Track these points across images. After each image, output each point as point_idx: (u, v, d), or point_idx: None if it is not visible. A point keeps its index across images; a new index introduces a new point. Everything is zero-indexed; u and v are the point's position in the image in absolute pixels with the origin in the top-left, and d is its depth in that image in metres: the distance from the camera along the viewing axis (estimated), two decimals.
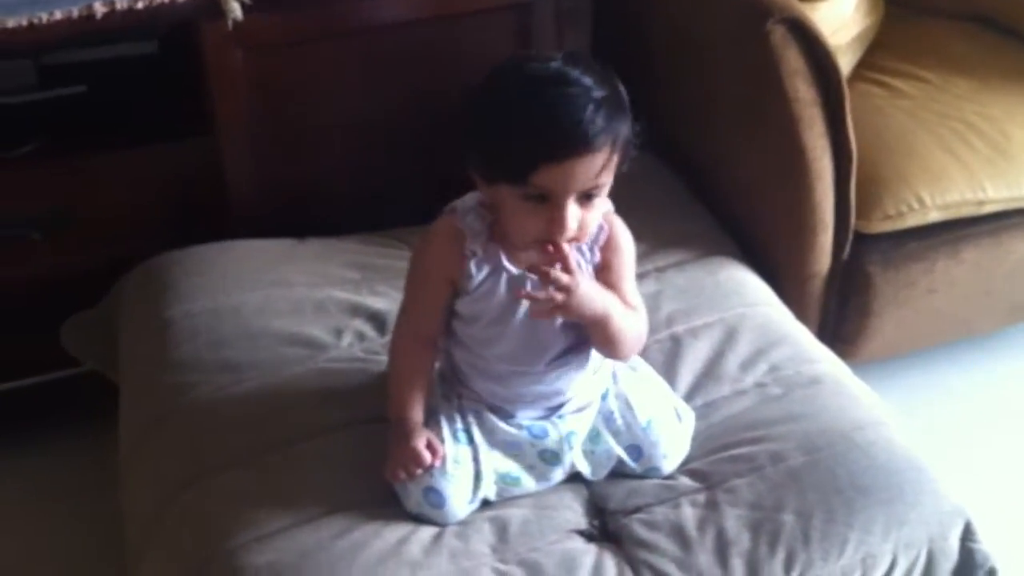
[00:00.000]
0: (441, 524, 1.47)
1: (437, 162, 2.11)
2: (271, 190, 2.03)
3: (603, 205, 1.41)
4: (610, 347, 1.45)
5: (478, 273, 1.44)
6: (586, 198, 1.35)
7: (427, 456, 1.46)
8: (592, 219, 1.38)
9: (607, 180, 1.36)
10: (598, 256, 1.46)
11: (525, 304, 1.43)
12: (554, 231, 1.34)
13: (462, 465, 1.48)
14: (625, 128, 1.36)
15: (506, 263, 1.43)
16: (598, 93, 1.32)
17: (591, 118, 1.30)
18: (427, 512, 1.47)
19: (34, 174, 1.92)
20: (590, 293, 1.38)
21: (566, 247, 1.36)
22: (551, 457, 1.52)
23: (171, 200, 2.00)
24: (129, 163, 1.97)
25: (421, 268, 1.49)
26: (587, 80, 1.32)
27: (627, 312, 1.45)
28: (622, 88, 1.38)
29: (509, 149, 1.32)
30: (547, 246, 1.35)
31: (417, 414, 1.50)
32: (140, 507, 1.60)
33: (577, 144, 1.30)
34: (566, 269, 1.35)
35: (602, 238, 1.46)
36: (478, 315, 1.46)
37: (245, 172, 1.99)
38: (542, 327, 1.45)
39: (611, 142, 1.33)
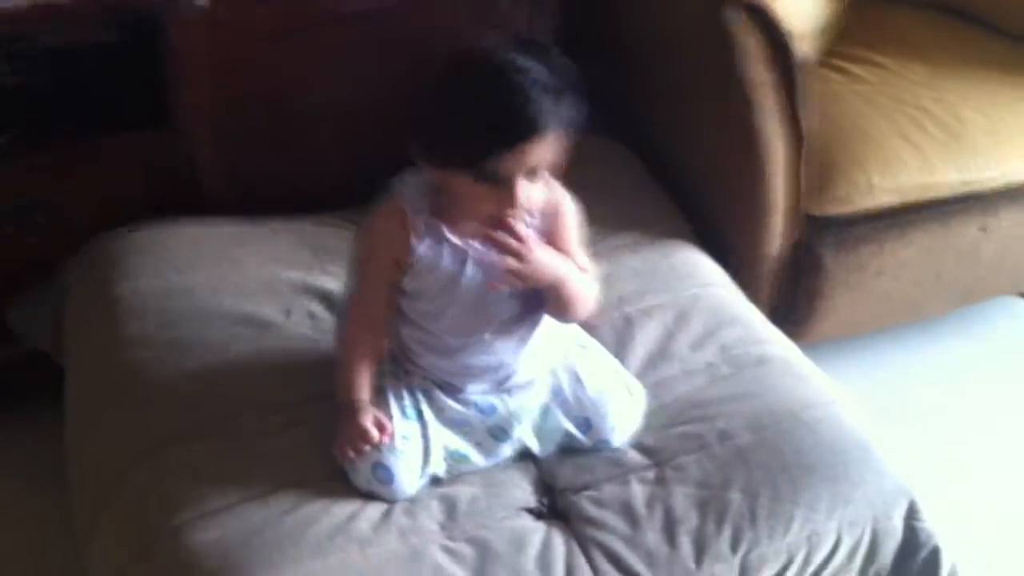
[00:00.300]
0: (390, 501, 1.47)
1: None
2: (243, 180, 2.00)
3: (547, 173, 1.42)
4: (567, 310, 1.47)
5: (420, 246, 1.45)
6: (532, 173, 1.37)
7: (375, 433, 1.46)
8: (539, 189, 1.39)
9: (554, 157, 1.38)
10: (542, 222, 1.47)
11: (470, 274, 1.44)
12: (506, 208, 1.37)
13: (411, 441, 1.49)
14: (575, 110, 1.37)
15: (448, 235, 1.44)
16: (549, 80, 1.33)
17: (542, 105, 1.32)
18: (376, 488, 1.47)
19: (5, 167, 1.88)
20: (544, 259, 1.41)
21: (522, 226, 1.39)
22: (500, 433, 1.53)
23: (144, 191, 1.97)
24: (100, 154, 1.93)
25: (366, 249, 1.51)
26: (538, 67, 1.33)
27: (580, 274, 1.47)
28: (573, 70, 1.39)
29: (462, 138, 1.34)
30: (500, 225, 1.38)
31: (365, 394, 1.50)
32: (88, 486, 1.59)
33: (529, 131, 1.32)
34: (516, 238, 1.37)
35: (545, 204, 1.46)
36: (422, 290, 1.47)
37: (215, 162, 1.96)
38: (488, 296, 1.46)
39: (560, 126, 1.35)
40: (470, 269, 1.45)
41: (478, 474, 1.53)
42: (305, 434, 1.54)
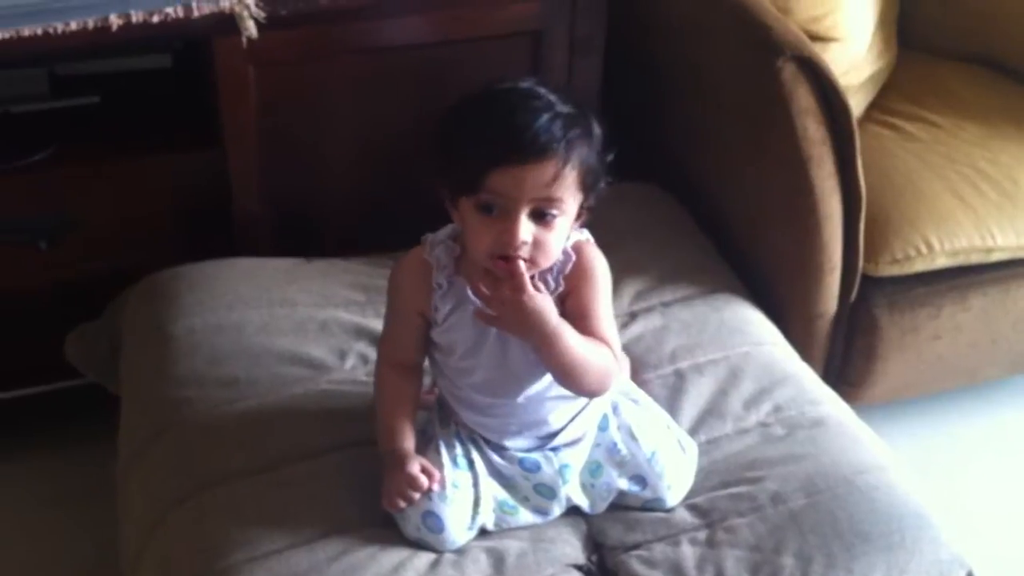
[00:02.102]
0: (439, 550, 1.46)
1: None
2: (277, 205, 2.03)
3: (566, 230, 1.39)
4: (565, 375, 1.40)
5: (444, 306, 1.45)
6: (540, 217, 1.34)
7: (424, 480, 1.44)
8: (553, 242, 1.36)
9: (562, 197, 1.34)
10: (563, 285, 1.43)
11: (494, 335, 1.43)
12: (505, 242, 1.33)
13: (461, 490, 1.47)
14: (586, 151, 1.35)
15: (471, 295, 1.42)
16: (558, 107, 1.34)
17: (544, 126, 1.31)
18: (425, 537, 1.45)
19: (43, 182, 1.92)
20: (535, 307, 1.34)
21: (521, 265, 1.34)
22: (546, 491, 1.50)
23: (178, 212, 2.01)
24: (136, 174, 1.97)
25: (392, 298, 1.52)
26: (550, 96, 1.34)
27: (586, 342, 1.39)
28: (593, 116, 1.39)
29: (462, 155, 1.35)
30: (499, 262, 1.34)
31: (407, 442, 1.47)
32: (135, 521, 1.58)
33: (527, 149, 1.31)
34: (516, 283, 1.33)
35: (568, 267, 1.43)
36: (452, 346, 1.47)
37: (251, 186, 1.99)
38: (512, 358, 1.44)
39: (564, 154, 1.33)
40: (493, 331, 1.43)
41: (527, 528, 1.51)
42: (355, 479, 1.52)
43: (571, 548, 1.50)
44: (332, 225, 2.09)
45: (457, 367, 1.48)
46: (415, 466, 1.45)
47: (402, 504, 1.44)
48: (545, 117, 1.32)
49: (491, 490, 1.49)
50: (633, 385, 1.63)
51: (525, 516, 1.50)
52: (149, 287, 1.86)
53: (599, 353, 1.41)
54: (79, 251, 1.96)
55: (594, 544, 1.51)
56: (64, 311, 1.96)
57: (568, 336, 1.37)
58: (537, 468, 1.50)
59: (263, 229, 2.03)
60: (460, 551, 1.47)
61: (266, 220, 2.03)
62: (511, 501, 1.50)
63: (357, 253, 1.96)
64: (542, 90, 1.36)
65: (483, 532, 1.50)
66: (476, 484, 1.48)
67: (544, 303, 1.36)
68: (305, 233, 2.06)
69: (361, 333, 1.77)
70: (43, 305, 1.97)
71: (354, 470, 1.54)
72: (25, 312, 1.96)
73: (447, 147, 1.38)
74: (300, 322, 1.78)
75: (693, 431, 1.64)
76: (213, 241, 1.96)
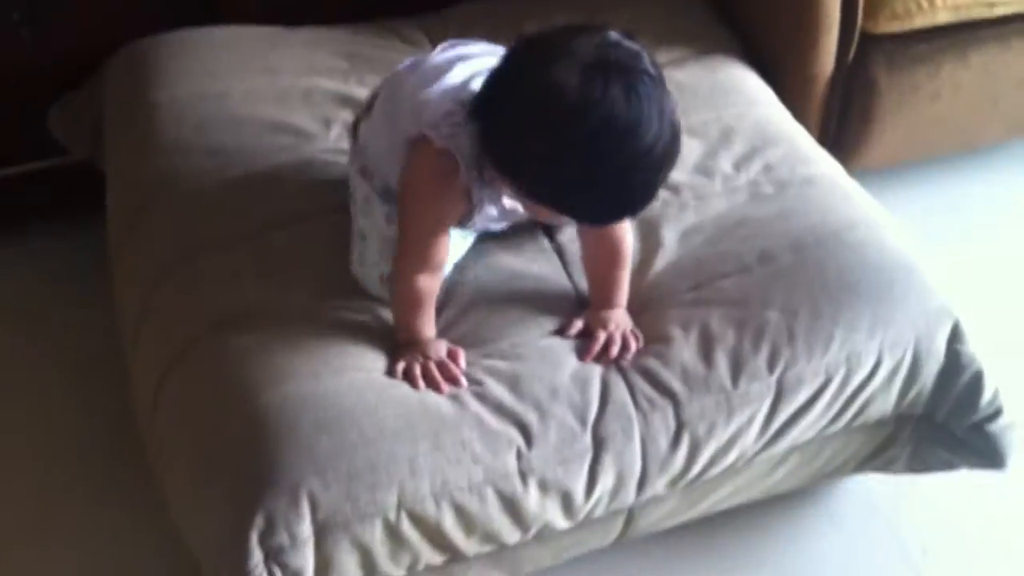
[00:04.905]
0: None
1: None
2: None
3: None
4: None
5: (481, 195, 1.39)
6: None
7: (463, 380, 1.40)
8: None
9: None
10: None
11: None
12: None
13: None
14: None
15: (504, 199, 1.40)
16: (671, 152, 1.27)
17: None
18: None
19: None
20: (620, 314, 1.47)
21: (601, 340, 1.44)
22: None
23: None
24: None
25: (422, 213, 1.39)
26: (662, 129, 1.24)
27: (625, 266, 1.48)
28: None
29: (591, 204, 1.28)
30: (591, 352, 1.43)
31: (433, 329, 1.44)
32: (131, 291, 1.59)
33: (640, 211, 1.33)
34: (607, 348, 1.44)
35: None
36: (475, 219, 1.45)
37: None
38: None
39: None
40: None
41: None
42: (343, 242, 1.52)
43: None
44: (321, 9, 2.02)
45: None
46: (443, 351, 1.42)
47: (446, 389, 1.40)
48: (663, 179, 1.28)
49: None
50: None
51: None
52: (130, 56, 1.83)
53: (628, 254, 1.49)
54: (57, 24, 1.89)
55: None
56: (46, 88, 1.92)
57: (625, 284, 1.49)
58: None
59: (250, 16, 1.95)
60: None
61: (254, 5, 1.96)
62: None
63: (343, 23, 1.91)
64: (653, 120, 1.23)
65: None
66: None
67: (618, 311, 1.48)
68: (290, 5, 1.99)
69: (346, 102, 1.74)
70: (25, 84, 1.92)
71: (343, 234, 1.53)
72: (7, 92, 1.92)
73: (540, 162, 1.26)
74: (283, 90, 1.75)
75: (680, 190, 1.62)
76: (199, 12, 1.90)
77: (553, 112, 1.22)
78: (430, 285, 1.42)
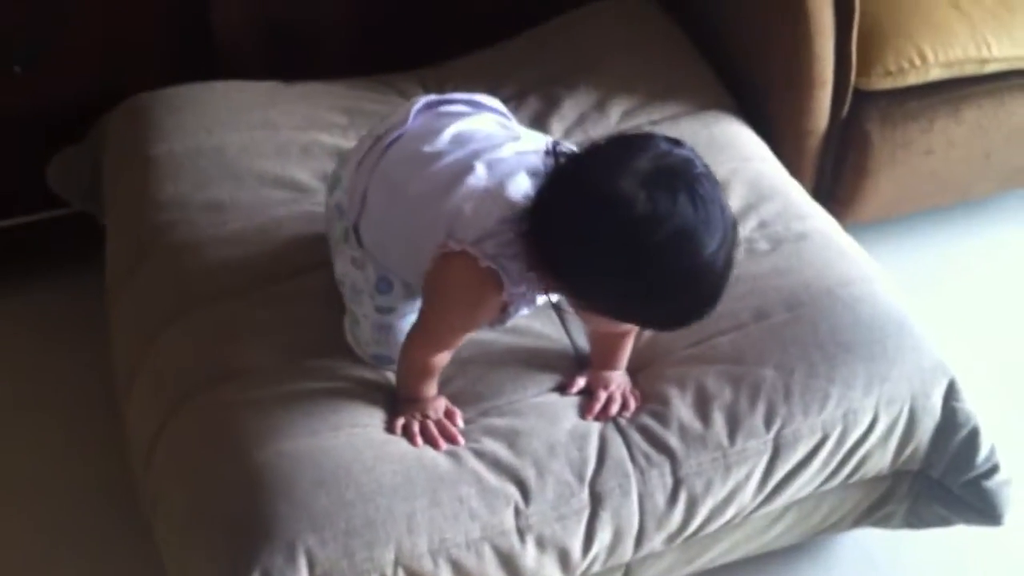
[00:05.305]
0: None
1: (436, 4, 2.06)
2: (258, 26, 1.97)
3: None
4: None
5: (519, 303, 1.38)
6: None
7: (460, 439, 1.41)
8: None
9: None
10: None
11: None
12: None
13: None
14: None
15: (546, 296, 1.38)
16: (731, 263, 1.27)
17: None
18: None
19: (15, 5, 1.86)
20: (620, 375, 1.48)
21: (601, 399, 1.46)
22: None
23: (157, 35, 1.95)
24: None
25: (458, 322, 1.39)
26: (724, 242, 1.24)
27: (631, 334, 1.48)
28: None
29: (661, 312, 1.28)
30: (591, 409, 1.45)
31: (434, 390, 1.44)
32: (126, 342, 1.60)
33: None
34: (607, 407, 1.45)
35: None
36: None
37: (234, 7, 1.93)
38: None
39: None
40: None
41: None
42: (339, 297, 1.52)
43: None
44: (318, 46, 2.03)
45: None
46: (442, 409, 1.43)
47: (442, 445, 1.41)
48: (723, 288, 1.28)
49: None
50: None
51: None
52: (129, 111, 1.84)
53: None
54: (57, 75, 1.91)
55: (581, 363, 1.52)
56: (45, 139, 1.93)
57: (626, 351, 1.50)
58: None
59: (246, 51, 1.98)
60: None
61: (249, 42, 1.98)
62: None
63: (341, 77, 1.93)
64: (716, 240, 1.22)
65: None
66: None
67: (618, 373, 1.49)
68: (290, 56, 2.01)
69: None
70: (23, 133, 1.94)
71: (339, 294, 1.53)
72: (4, 141, 1.93)
73: (600, 275, 1.25)
74: (282, 144, 1.76)
75: None
76: (197, 66, 1.92)
77: (624, 228, 1.21)
78: (442, 360, 1.42)
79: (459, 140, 1.41)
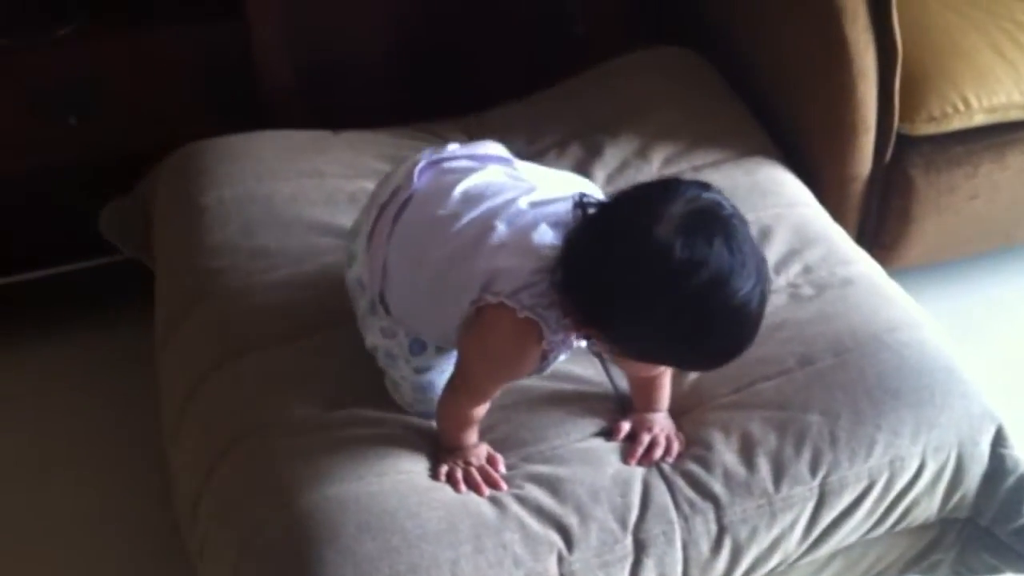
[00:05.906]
0: None
1: (474, 50, 2.09)
2: (304, 75, 2.02)
3: None
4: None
5: (557, 352, 1.38)
6: None
7: (503, 484, 1.42)
8: None
9: None
10: None
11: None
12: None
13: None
14: None
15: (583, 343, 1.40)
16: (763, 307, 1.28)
17: None
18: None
19: (72, 56, 1.92)
20: (663, 418, 1.49)
21: (645, 442, 1.46)
22: None
23: (205, 85, 2.00)
24: (165, 46, 1.96)
25: (499, 375, 1.40)
26: (760, 290, 1.26)
27: (667, 371, 1.47)
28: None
29: (700, 354, 1.30)
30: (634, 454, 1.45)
31: (475, 438, 1.45)
32: (173, 388, 1.62)
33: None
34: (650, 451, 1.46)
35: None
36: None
37: (277, 57, 1.98)
38: None
39: None
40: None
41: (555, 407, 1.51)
42: None
43: (600, 416, 1.51)
44: (362, 94, 2.07)
45: None
46: (483, 456, 1.44)
47: (485, 491, 1.41)
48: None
49: None
50: None
51: None
52: (180, 160, 1.87)
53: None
54: (110, 125, 1.96)
55: (622, 410, 1.52)
56: (97, 188, 1.97)
57: (666, 389, 1.50)
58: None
59: (291, 102, 2.02)
60: None
61: (295, 91, 2.02)
62: None
63: (385, 125, 1.96)
64: (752, 288, 1.24)
65: None
66: None
67: (660, 414, 1.49)
68: (334, 103, 2.05)
69: None
70: (76, 182, 1.98)
71: None
72: (59, 189, 1.98)
73: (684, 331, 1.25)
74: (329, 193, 1.78)
75: None
76: (245, 114, 1.96)
77: (662, 276, 1.21)
78: (482, 411, 1.43)
79: (470, 198, 1.41)
